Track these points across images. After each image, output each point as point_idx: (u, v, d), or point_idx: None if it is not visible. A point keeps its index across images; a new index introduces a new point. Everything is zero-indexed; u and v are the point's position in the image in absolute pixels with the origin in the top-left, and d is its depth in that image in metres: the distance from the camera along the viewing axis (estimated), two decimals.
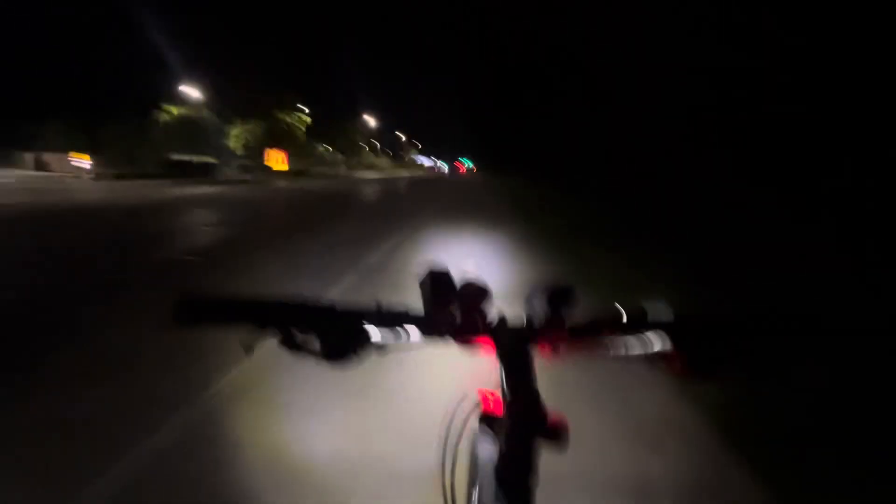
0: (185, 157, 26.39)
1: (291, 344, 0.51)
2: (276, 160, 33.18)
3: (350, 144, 53.37)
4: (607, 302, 0.56)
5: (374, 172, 50.99)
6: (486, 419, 0.61)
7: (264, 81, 32.83)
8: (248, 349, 0.51)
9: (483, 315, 0.53)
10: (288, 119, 36.51)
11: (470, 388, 0.64)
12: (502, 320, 0.54)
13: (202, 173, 25.35)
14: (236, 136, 32.35)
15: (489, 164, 63.99)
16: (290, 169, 33.89)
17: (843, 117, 4.38)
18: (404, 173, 60.94)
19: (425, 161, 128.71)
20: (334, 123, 51.07)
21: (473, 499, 0.56)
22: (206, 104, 30.54)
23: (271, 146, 33.01)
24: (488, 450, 0.56)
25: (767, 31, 5.39)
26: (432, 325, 0.53)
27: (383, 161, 72.54)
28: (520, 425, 0.46)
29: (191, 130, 28.61)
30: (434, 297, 0.53)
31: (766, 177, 5.14)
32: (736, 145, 5.75)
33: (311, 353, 0.51)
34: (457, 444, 0.59)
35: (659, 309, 0.52)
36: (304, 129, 38.35)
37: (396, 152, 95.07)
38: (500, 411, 0.52)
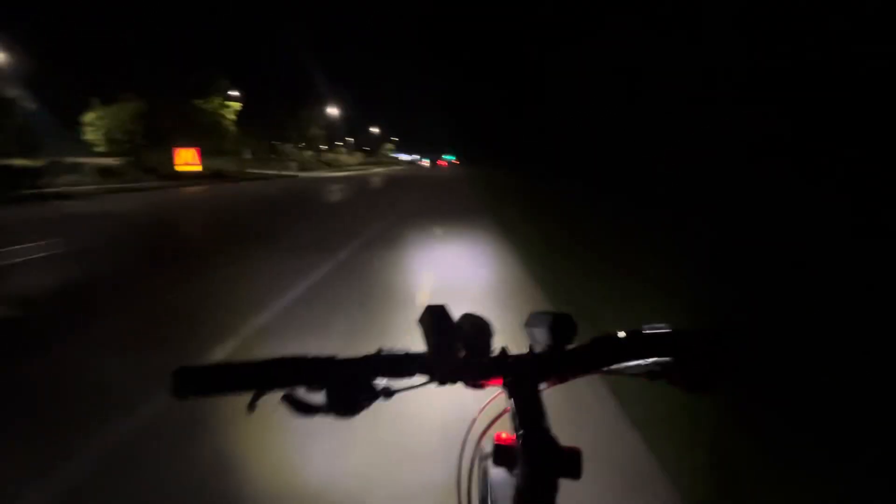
0: None
1: (295, 403, 0.50)
2: (186, 159, 24.55)
3: (307, 139, 44.67)
4: None
5: (338, 171, 42.46)
6: (500, 453, 0.54)
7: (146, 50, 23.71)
8: (251, 408, 0.50)
9: (487, 355, 0.53)
10: (206, 106, 27.91)
11: (480, 418, 0.60)
12: (506, 355, 0.54)
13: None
14: (93, 125, 23.00)
15: (473, 158, 56.12)
16: (207, 169, 25.28)
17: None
18: (378, 170, 52.45)
19: (404, 156, 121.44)
20: (285, 113, 42.37)
21: None
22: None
23: (180, 140, 24.35)
24: (502, 484, 0.58)
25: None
26: (437, 372, 0.52)
27: (352, 158, 63.51)
28: (537, 463, 0.46)
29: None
30: (437, 338, 0.51)
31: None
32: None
33: (317, 409, 0.50)
34: (470, 477, 0.57)
35: (657, 328, 0.55)
36: (232, 118, 29.70)
37: (370, 148, 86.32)
38: (511, 444, 0.52)
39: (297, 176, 30.66)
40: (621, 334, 0.55)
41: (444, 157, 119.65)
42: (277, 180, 25.92)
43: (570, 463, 0.47)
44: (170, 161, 23.93)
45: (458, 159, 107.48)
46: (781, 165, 1.95)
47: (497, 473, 0.59)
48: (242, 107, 30.36)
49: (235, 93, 29.95)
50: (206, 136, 26.66)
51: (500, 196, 11.35)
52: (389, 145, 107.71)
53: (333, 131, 58.85)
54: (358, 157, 67.53)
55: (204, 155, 28.34)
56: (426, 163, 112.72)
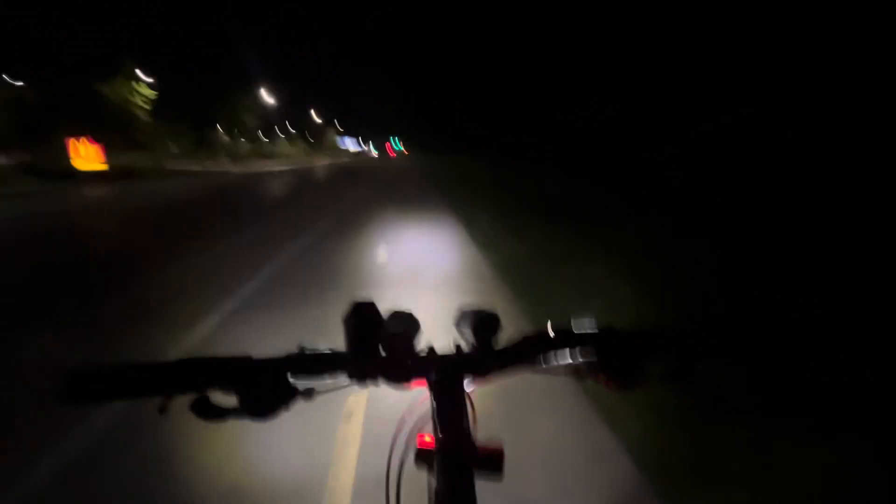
0: None
1: (205, 409, 0.45)
2: (85, 155, 20.69)
3: (240, 128, 40.56)
4: None
5: (277, 163, 38.76)
6: (420, 454, 0.55)
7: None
8: (163, 409, 0.45)
9: (412, 350, 0.51)
10: (109, 91, 23.96)
11: (404, 421, 0.58)
12: (432, 353, 0.52)
13: None
14: None
15: (422, 144, 53.69)
16: (115, 167, 21.52)
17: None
18: (323, 161, 48.86)
19: (351, 144, 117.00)
20: (214, 101, 38.23)
21: None
22: None
23: (79, 133, 20.44)
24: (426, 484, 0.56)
25: None
26: (360, 371, 0.50)
27: (293, 148, 59.21)
28: (451, 460, 0.46)
29: None
30: (359, 337, 0.50)
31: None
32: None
33: (230, 413, 0.46)
34: (399, 478, 0.54)
35: (585, 324, 0.54)
36: (144, 106, 25.82)
37: (312, 136, 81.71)
38: (433, 445, 0.51)
39: (226, 172, 27.17)
40: (551, 333, 0.54)
41: (392, 142, 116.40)
42: (203, 178, 22.54)
43: (489, 463, 0.49)
44: (65, 158, 20.03)
45: (406, 147, 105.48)
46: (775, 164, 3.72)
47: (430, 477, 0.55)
48: (161, 94, 26.40)
49: (148, 79, 25.95)
50: (113, 127, 22.75)
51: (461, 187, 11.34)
52: (334, 134, 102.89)
53: (272, 120, 54.57)
54: (300, 148, 63.15)
55: (115, 150, 24.41)
56: (375, 153, 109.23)
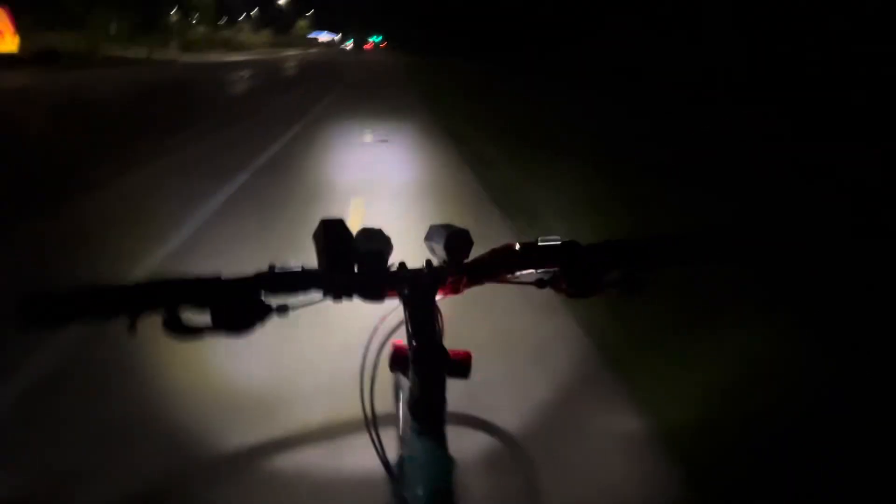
0: None
1: (177, 326, 0.46)
2: None
3: (192, 8, 34.94)
4: None
5: (236, 54, 34.04)
6: (394, 358, 0.60)
7: None
8: (132, 329, 0.45)
9: (385, 266, 0.52)
10: None
11: (381, 327, 0.62)
12: (403, 268, 0.53)
13: None
14: None
15: (406, 42, 48.64)
16: (32, 49, 17.83)
17: None
18: (291, 52, 43.45)
19: (324, 36, 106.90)
20: None
21: (399, 434, 0.61)
22: None
23: None
24: (403, 389, 0.62)
25: None
26: (332, 286, 0.50)
27: (256, 37, 52.50)
28: (424, 365, 0.49)
29: None
30: (330, 254, 0.49)
31: None
32: None
33: (203, 330, 0.46)
34: (372, 382, 0.57)
35: (548, 239, 0.56)
36: None
37: (282, 25, 73.41)
38: (405, 351, 0.56)
39: (174, 61, 23.37)
40: (517, 246, 0.56)
41: (370, 38, 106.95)
42: (140, 68, 19.06)
43: (457, 365, 0.55)
44: None
45: (385, 42, 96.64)
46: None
47: (401, 389, 0.64)
48: None
49: None
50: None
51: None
52: (303, 22, 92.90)
53: (235, 5, 47.81)
54: (265, 37, 56.22)
55: (37, 26, 20.37)
56: (349, 45, 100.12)
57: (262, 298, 0.48)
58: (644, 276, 0.55)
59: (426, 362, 0.49)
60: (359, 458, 1.11)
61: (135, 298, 0.46)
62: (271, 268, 0.49)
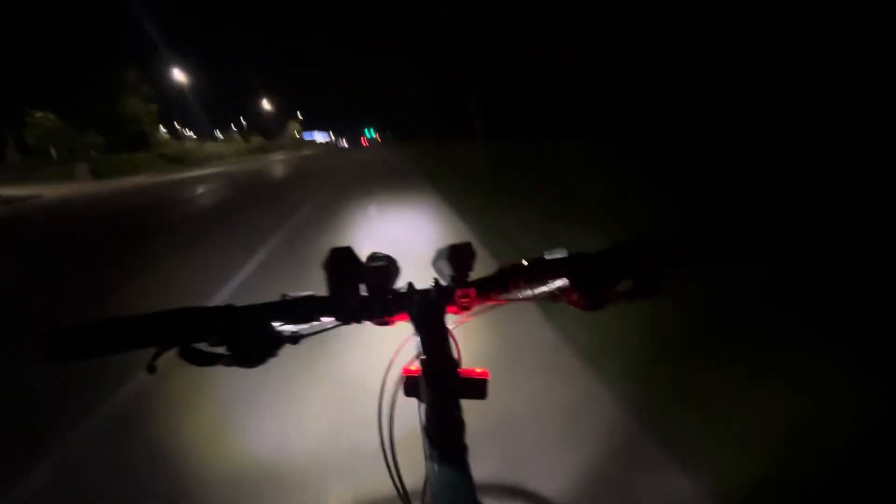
0: None
1: (193, 356, 0.46)
2: None
3: (120, 117, 26.79)
4: None
5: (187, 171, 25.43)
6: (408, 383, 0.55)
7: None
8: (152, 368, 0.46)
9: (392, 291, 0.52)
10: None
11: (395, 357, 0.59)
12: (412, 289, 0.53)
13: None
14: None
15: (402, 133, 41.71)
16: None
17: None
18: (278, 157, 35.27)
19: (320, 137, 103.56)
20: (72, 72, 25.07)
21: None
22: None
23: None
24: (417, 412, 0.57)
25: None
26: (342, 309, 0.51)
27: (228, 145, 44.50)
28: (437, 386, 0.48)
29: None
30: (339, 278, 0.50)
31: None
32: None
33: (218, 360, 0.47)
34: (391, 413, 0.56)
35: (556, 253, 0.55)
36: None
37: (266, 129, 67.92)
38: (418, 374, 0.53)
39: (31, 197, 14.10)
40: (524, 262, 0.55)
41: (365, 132, 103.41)
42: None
43: (472, 385, 0.51)
44: None
45: (380, 135, 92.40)
46: None
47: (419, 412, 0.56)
48: None
49: None
50: None
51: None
52: (296, 125, 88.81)
53: (194, 110, 40.97)
54: (240, 145, 48.49)
55: None
56: (345, 144, 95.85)
57: (275, 327, 0.48)
58: (657, 279, 0.53)
59: (437, 383, 0.48)
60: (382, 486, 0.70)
61: (149, 329, 0.46)
62: (283, 297, 0.50)
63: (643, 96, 10.33)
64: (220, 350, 0.46)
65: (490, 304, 0.54)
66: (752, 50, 8.13)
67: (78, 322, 0.44)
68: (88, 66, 26.30)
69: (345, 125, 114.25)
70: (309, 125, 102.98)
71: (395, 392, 0.55)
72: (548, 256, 0.54)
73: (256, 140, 58.10)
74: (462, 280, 0.52)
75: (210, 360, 0.46)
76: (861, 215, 3.90)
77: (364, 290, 0.50)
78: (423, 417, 0.50)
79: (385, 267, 0.51)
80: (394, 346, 0.56)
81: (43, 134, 23.73)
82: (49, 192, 16.02)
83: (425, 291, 0.52)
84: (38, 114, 23.37)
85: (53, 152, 24.77)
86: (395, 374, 0.56)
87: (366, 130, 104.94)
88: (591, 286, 0.53)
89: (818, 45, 6.84)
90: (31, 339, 0.43)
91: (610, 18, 10.42)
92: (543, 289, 0.55)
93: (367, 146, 68.37)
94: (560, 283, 0.54)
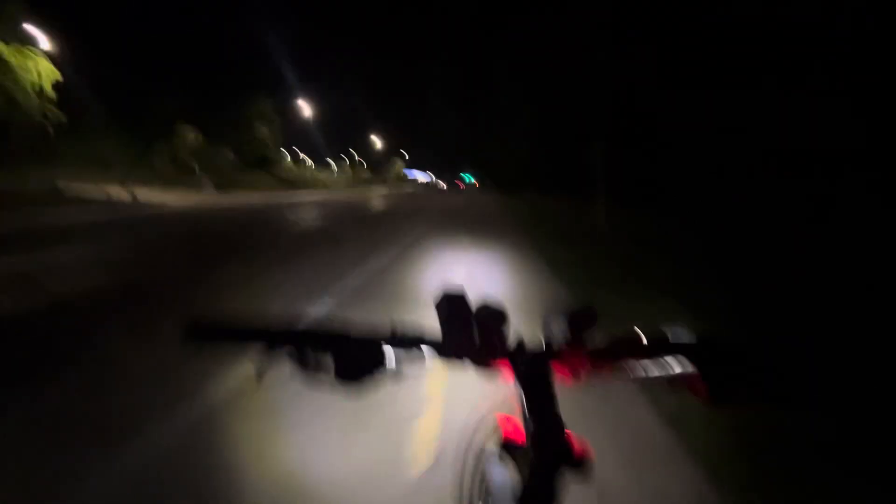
0: None
1: (304, 366, 0.49)
2: None
3: (249, 141, 29.78)
4: None
5: (304, 193, 27.62)
6: (506, 445, 0.56)
7: None
8: (260, 376, 0.49)
9: (501, 337, 0.51)
10: None
11: (487, 411, 0.59)
12: (521, 343, 0.52)
13: None
14: None
15: (500, 180, 41.59)
16: None
17: None
18: (382, 191, 37.21)
19: (421, 176, 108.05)
20: (223, 103, 28.15)
21: None
22: None
23: None
24: (505, 477, 0.55)
25: None
26: (449, 348, 0.51)
27: (337, 175, 47.81)
28: (545, 455, 0.45)
29: None
30: (450, 319, 0.51)
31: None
32: None
33: (325, 376, 0.49)
34: (475, 468, 0.56)
35: (679, 332, 0.51)
36: (33, 79, 15.31)
37: (374, 164, 72.05)
38: (519, 438, 0.52)
39: (154, 205, 15.77)
40: (644, 339, 0.50)
41: (463, 176, 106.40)
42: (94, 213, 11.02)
43: (580, 459, 0.44)
44: None
45: (477, 181, 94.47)
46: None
47: (499, 475, 0.54)
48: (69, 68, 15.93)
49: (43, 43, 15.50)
50: None
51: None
52: (400, 162, 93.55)
53: (315, 140, 44.64)
54: (348, 176, 51.99)
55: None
56: (443, 185, 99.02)
57: (384, 349, 0.49)
58: (802, 388, 0.47)
59: (547, 448, 0.44)
60: None
61: (274, 334, 0.49)
62: (394, 324, 0.51)
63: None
64: (327, 367, 0.47)
65: (600, 373, 0.50)
66: (752, 50, 7.93)
67: (217, 316, 0.51)
68: (231, 93, 29.65)
69: (445, 168, 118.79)
70: (411, 163, 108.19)
71: (484, 443, 0.54)
72: (670, 337, 0.50)
73: (364, 172, 61.81)
74: (575, 343, 0.49)
75: (315, 367, 0.48)
76: (861, 215, 3.60)
77: (473, 334, 0.50)
78: (513, 482, 0.49)
79: (497, 311, 0.51)
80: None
81: (188, 149, 26.98)
82: (181, 200, 17.88)
83: (535, 346, 0.51)
84: (190, 134, 26.54)
85: (196, 166, 27.87)
86: (484, 420, 0.56)
87: (463, 175, 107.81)
88: (724, 381, 0.47)
89: (818, 45, 6.67)
90: (178, 324, 0.49)
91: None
92: (658, 370, 0.49)
93: (463, 189, 69.89)
94: (679, 367, 0.49)
